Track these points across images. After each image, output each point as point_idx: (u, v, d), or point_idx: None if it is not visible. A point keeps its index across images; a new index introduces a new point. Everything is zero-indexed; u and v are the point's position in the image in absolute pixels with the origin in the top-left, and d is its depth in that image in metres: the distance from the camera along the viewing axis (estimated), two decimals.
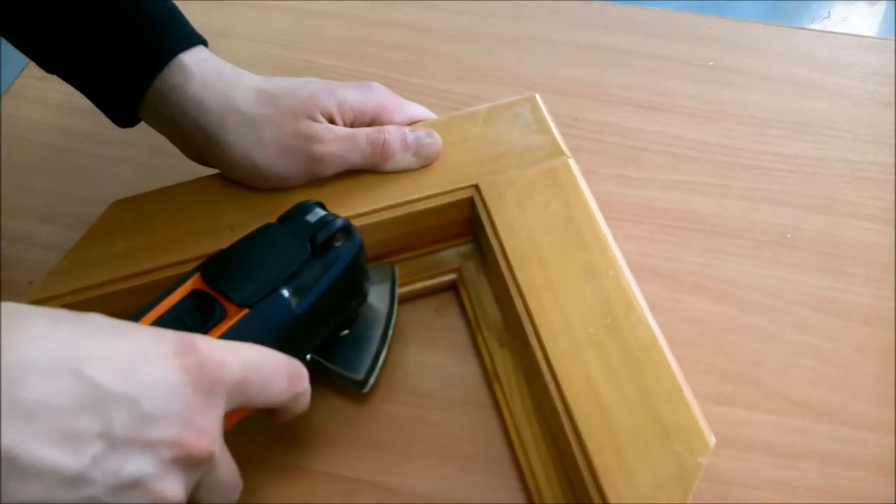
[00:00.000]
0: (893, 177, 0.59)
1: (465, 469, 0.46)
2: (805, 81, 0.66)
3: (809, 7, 2.08)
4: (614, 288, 0.44)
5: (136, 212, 0.52)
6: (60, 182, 0.63)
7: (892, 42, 0.69)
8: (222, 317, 0.39)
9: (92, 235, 0.51)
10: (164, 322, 0.38)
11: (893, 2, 2.06)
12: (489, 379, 0.49)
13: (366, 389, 0.47)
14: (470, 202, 0.50)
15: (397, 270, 0.51)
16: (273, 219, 0.49)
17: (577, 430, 0.40)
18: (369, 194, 0.50)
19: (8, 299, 0.54)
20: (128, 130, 0.53)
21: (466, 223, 0.52)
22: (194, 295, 0.40)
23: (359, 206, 0.49)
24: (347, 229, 0.44)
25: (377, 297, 0.49)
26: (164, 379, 0.32)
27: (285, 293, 0.40)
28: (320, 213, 0.44)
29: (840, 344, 0.51)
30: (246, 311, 0.39)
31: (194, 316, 0.39)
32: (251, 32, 0.72)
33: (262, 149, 0.49)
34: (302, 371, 0.39)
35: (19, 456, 0.28)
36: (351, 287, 0.45)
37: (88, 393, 0.29)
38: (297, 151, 0.49)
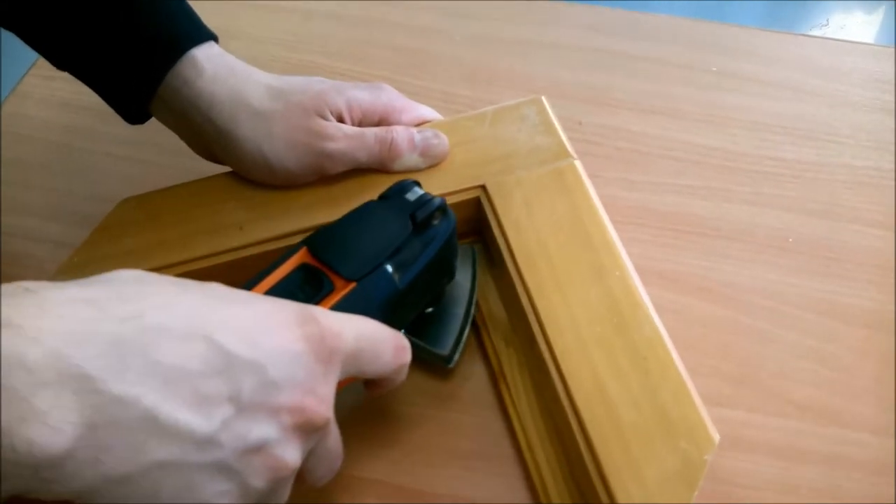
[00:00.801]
0: (894, 182, 0.60)
1: (471, 468, 0.46)
2: (807, 88, 0.67)
3: (808, 14, 2.09)
4: (620, 287, 0.45)
5: (144, 210, 0.52)
6: (67, 180, 0.63)
7: (893, 49, 0.69)
8: (330, 290, 0.40)
9: (101, 233, 0.51)
10: (276, 293, 0.39)
11: (894, 9, 2.07)
12: (495, 378, 0.49)
13: (451, 364, 0.48)
14: (476, 202, 0.51)
15: (477, 252, 0.52)
16: (281, 217, 0.50)
17: (584, 426, 0.40)
18: (377, 194, 0.50)
19: None
20: (135, 129, 0.53)
21: (472, 223, 0.52)
22: (303, 268, 0.41)
23: None
24: (444, 208, 0.45)
25: (460, 274, 0.49)
26: (287, 347, 0.33)
27: (389, 268, 0.42)
28: (419, 191, 0.45)
29: (841, 347, 0.51)
30: (353, 284, 0.40)
31: (304, 289, 0.40)
32: (257, 33, 0.73)
33: (271, 143, 0.49)
34: (406, 343, 0.40)
35: (159, 416, 0.29)
36: (445, 264, 0.46)
37: (219, 358, 0.30)
38: (306, 147, 0.49)
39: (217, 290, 0.34)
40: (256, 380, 0.31)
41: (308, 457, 0.35)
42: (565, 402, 0.41)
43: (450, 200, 0.50)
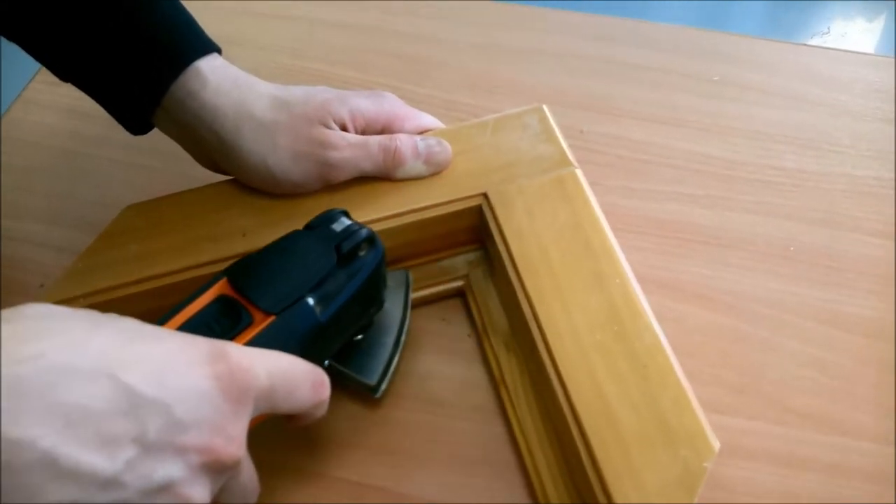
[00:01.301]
0: (894, 192, 0.60)
1: (472, 474, 0.46)
2: (808, 97, 0.67)
3: (809, 22, 2.10)
4: (621, 295, 0.45)
5: (148, 216, 0.52)
6: (71, 186, 0.63)
7: (893, 59, 0.70)
8: (249, 323, 0.39)
9: (105, 239, 0.51)
10: (192, 327, 0.39)
11: (894, 17, 2.07)
12: (496, 385, 0.49)
13: (378, 395, 0.48)
14: (478, 210, 0.51)
15: (411, 276, 0.52)
16: (285, 224, 0.49)
17: (585, 434, 0.40)
18: (379, 201, 0.51)
19: (18, 302, 0.55)
20: (139, 136, 0.54)
21: (474, 231, 0.53)
22: (221, 300, 0.40)
23: (369, 213, 0.50)
24: (372, 239, 0.44)
25: (391, 302, 0.49)
26: (195, 386, 0.32)
27: (311, 301, 0.41)
28: (346, 221, 0.44)
29: (841, 355, 0.51)
30: (272, 318, 0.39)
31: (221, 321, 0.39)
32: (261, 42, 0.73)
33: (276, 154, 0.49)
34: (325, 378, 0.40)
35: (59, 459, 0.28)
36: (371, 296, 0.46)
37: (124, 398, 0.30)
38: (310, 157, 0.49)
39: (129, 326, 0.33)
40: (162, 420, 0.31)
41: (220, 493, 0.35)
42: (566, 409, 0.42)
43: (452, 208, 0.51)
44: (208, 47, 0.50)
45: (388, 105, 0.53)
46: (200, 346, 0.34)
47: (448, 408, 0.49)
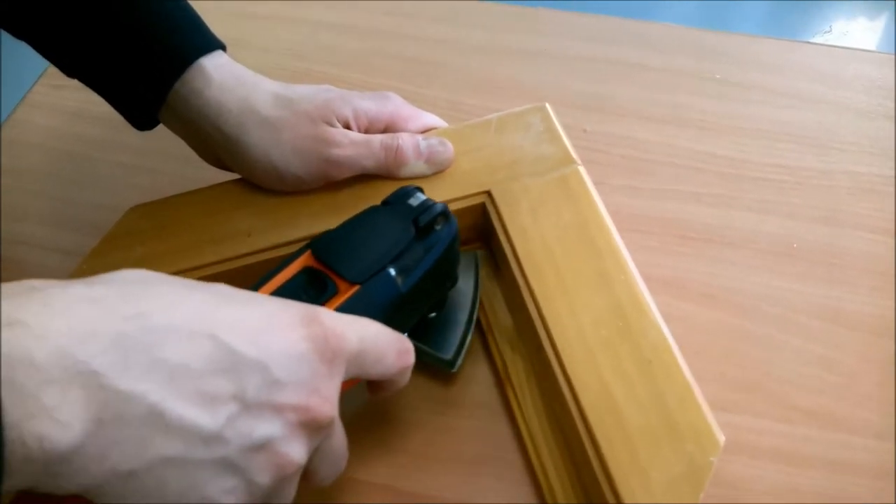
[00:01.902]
0: None
1: (477, 473, 0.46)
2: (810, 95, 0.67)
3: (811, 21, 2.09)
4: (626, 293, 0.45)
5: (153, 218, 0.53)
6: (76, 188, 0.63)
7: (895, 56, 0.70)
8: (334, 293, 0.41)
9: (109, 241, 0.51)
10: (281, 295, 0.39)
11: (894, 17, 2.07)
12: (501, 383, 0.49)
13: (455, 369, 0.49)
14: (482, 209, 0.51)
15: (480, 258, 0.52)
16: (289, 224, 0.50)
17: (591, 430, 0.40)
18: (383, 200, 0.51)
19: None
20: (143, 138, 0.54)
21: (477, 230, 0.53)
22: (307, 271, 0.42)
23: None
24: (446, 214, 0.45)
25: (463, 281, 0.50)
26: (291, 347, 0.33)
27: (392, 272, 0.42)
28: (422, 196, 0.46)
29: (845, 353, 0.51)
30: (356, 287, 0.41)
31: (308, 291, 0.41)
32: (266, 44, 0.73)
33: (279, 148, 0.50)
34: (409, 346, 0.41)
35: (164, 412, 0.29)
36: (447, 269, 0.47)
37: (224, 357, 0.31)
38: (313, 154, 0.50)
39: (222, 290, 0.34)
40: (261, 378, 0.32)
41: (313, 456, 0.36)
42: (572, 407, 0.42)
43: (455, 207, 0.51)
44: (213, 45, 0.51)
45: (392, 105, 0.53)
46: (295, 309, 0.35)
47: (453, 406, 0.49)
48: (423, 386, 0.50)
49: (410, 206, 0.45)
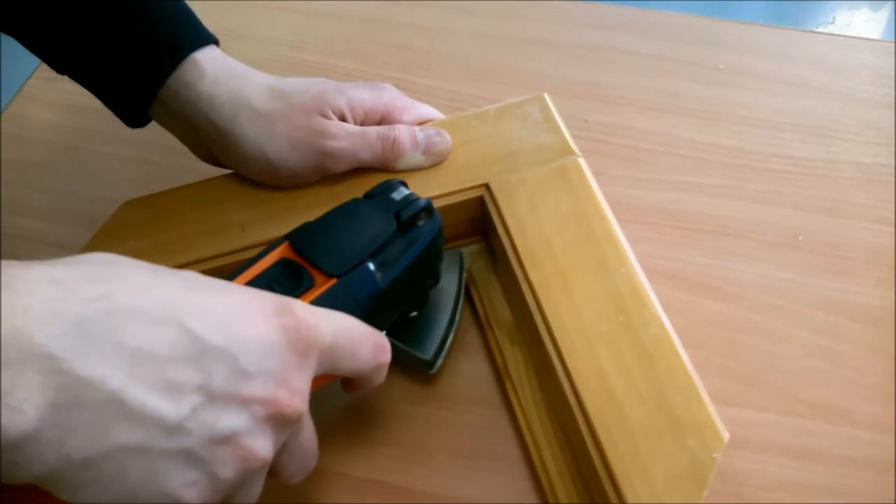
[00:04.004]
0: None
1: (477, 468, 0.46)
2: (815, 84, 0.66)
3: (814, 12, 2.08)
4: (626, 285, 0.44)
5: (146, 211, 0.52)
6: (71, 181, 0.63)
7: None
8: (310, 285, 0.40)
9: (103, 235, 0.51)
10: (255, 286, 0.39)
11: None
12: (500, 377, 0.49)
13: (434, 370, 0.48)
14: (480, 201, 0.50)
15: (465, 257, 0.52)
16: (284, 217, 0.49)
17: (591, 425, 0.40)
18: None
19: None
20: (139, 130, 0.53)
21: (476, 222, 0.52)
22: (283, 262, 0.41)
23: None
24: (430, 209, 0.45)
25: (445, 280, 0.49)
26: (261, 336, 0.32)
27: (371, 266, 0.41)
28: (405, 191, 0.45)
29: (851, 345, 0.51)
30: (334, 281, 0.40)
31: (283, 283, 0.40)
32: (261, 34, 0.73)
33: (273, 142, 0.49)
34: (385, 342, 0.40)
35: (126, 399, 0.28)
36: (428, 266, 0.46)
37: (190, 344, 0.30)
38: (307, 146, 0.49)
39: (191, 276, 0.33)
40: (228, 369, 0.31)
41: (280, 452, 0.35)
42: (572, 401, 0.41)
43: (453, 200, 0.50)
44: (206, 39, 0.50)
45: (387, 96, 0.53)
46: (266, 298, 0.34)
47: (452, 401, 0.49)
48: (420, 380, 0.49)
49: (393, 200, 0.44)
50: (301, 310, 0.34)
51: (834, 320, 0.52)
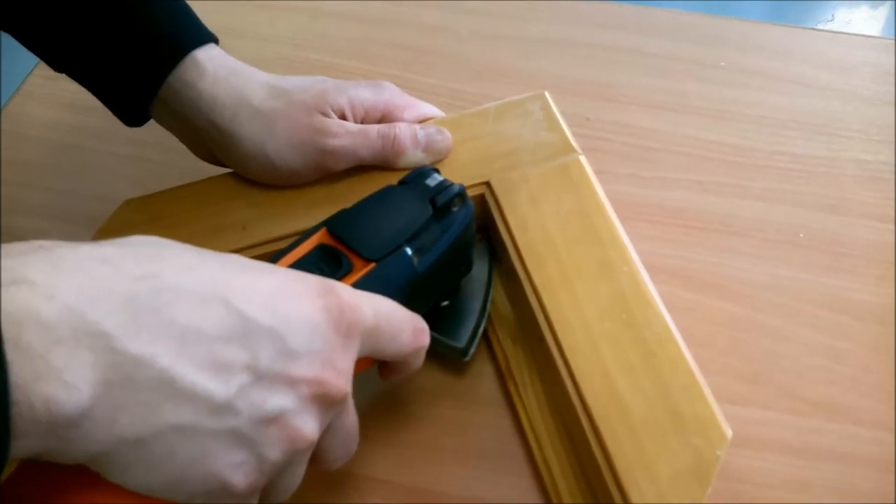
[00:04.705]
0: None
1: (480, 467, 0.46)
2: (817, 82, 0.66)
3: (814, 10, 2.08)
4: (629, 283, 0.44)
5: (147, 211, 0.52)
6: (71, 180, 0.63)
7: None
8: (349, 269, 0.40)
9: (103, 234, 0.51)
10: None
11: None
12: (503, 376, 0.48)
13: (467, 358, 0.48)
14: (481, 199, 0.50)
15: (492, 247, 0.52)
16: (285, 216, 0.49)
17: (595, 424, 0.39)
18: None
19: None
20: (139, 129, 0.53)
21: (477, 220, 0.52)
22: (321, 248, 0.41)
23: None
24: (463, 195, 0.45)
25: (476, 270, 0.49)
26: (307, 316, 0.32)
27: (408, 251, 0.41)
28: (439, 177, 0.45)
29: (854, 344, 0.51)
30: (372, 265, 0.40)
31: (322, 267, 0.40)
32: (262, 33, 0.72)
33: (274, 141, 0.49)
34: (424, 326, 0.40)
35: (175, 378, 0.28)
36: (463, 252, 0.46)
37: (237, 323, 0.30)
38: (308, 145, 0.49)
39: (236, 259, 0.33)
40: (275, 348, 0.31)
41: (324, 435, 0.35)
42: (575, 400, 0.41)
43: None
44: (205, 37, 0.50)
45: (388, 94, 0.52)
46: (310, 279, 0.34)
47: (454, 400, 0.49)
48: (425, 380, 0.49)
49: (427, 186, 0.44)
50: (343, 291, 0.34)
51: (836, 318, 0.52)
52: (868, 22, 2.07)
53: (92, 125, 0.66)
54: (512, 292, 0.50)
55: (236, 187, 0.52)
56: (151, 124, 0.52)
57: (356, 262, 0.40)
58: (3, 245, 0.27)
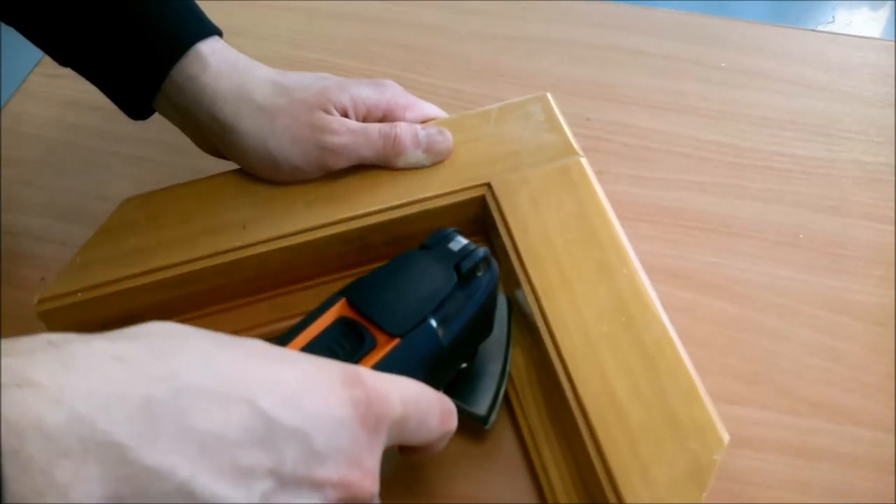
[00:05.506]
0: None
1: (477, 468, 0.46)
2: (817, 83, 0.66)
3: (814, 11, 2.08)
4: (628, 286, 0.44)
5: (147, 209, 0.52)
6: (72, 179, 0.63)
7: None
8: (373, 346, 0.37)
9: (104, 233, 0.51)
10: (315, 349, 0.37)
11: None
12: None
13: (488, 426, 0.45)
14: (481, 200, 0.50)
15: (511, 303, 0.49)
16: (285, 215, 0.49)
17: (592, 427, 0.39)
18: (380, 191, 0.50)
19: (19, 296, 0.54)
20: (139, 128, 0.53)
21: (477, 222, 0.52)
22: (342, 322, 0.39)
23: (370, 204, 0.49)
24: (488, 259, 0.42)
25: (495, 329, 0.46)
26: (333, 412, 0.30)
27: (433, 323, 0.39)
28: (462, 241, 0.43)
29: (853, 344, 0.51)
30: (396, 341, 0.37)
31: (344, 344, 0.38)
32: (263, 32, 0.72)
33: (275, 137, 0.49)
34: (452, 407, 0.37)
35: (195, 490, 0.26)
36: (486, 319, 0.44)
37: (260, 425, 0.28)
38: (309, 142, 0.49)
39: (256, 346, 0.31)
40: (299, 450, 0.29)
41: None
42: (572, 402, 0.41)
43: (454, 199, 0.50)
44: (209, 30, 0.50)
45: (390, 93, 0.52)
46: (334, 369, 0.32)
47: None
48: None
49: (451, 251, 0.42)
50: (370, 379, 0.32)
51: (836, 319, 0.52)
52: (868, 23, 2.07)
53: (92, 124, 0.66)
54: (511, 294, 0.50)
55: (237, 186, 0.52)
56: (152, 123, 0.53)
57: (379, 337, 0.38)
58: (8, 340, 0.25)
